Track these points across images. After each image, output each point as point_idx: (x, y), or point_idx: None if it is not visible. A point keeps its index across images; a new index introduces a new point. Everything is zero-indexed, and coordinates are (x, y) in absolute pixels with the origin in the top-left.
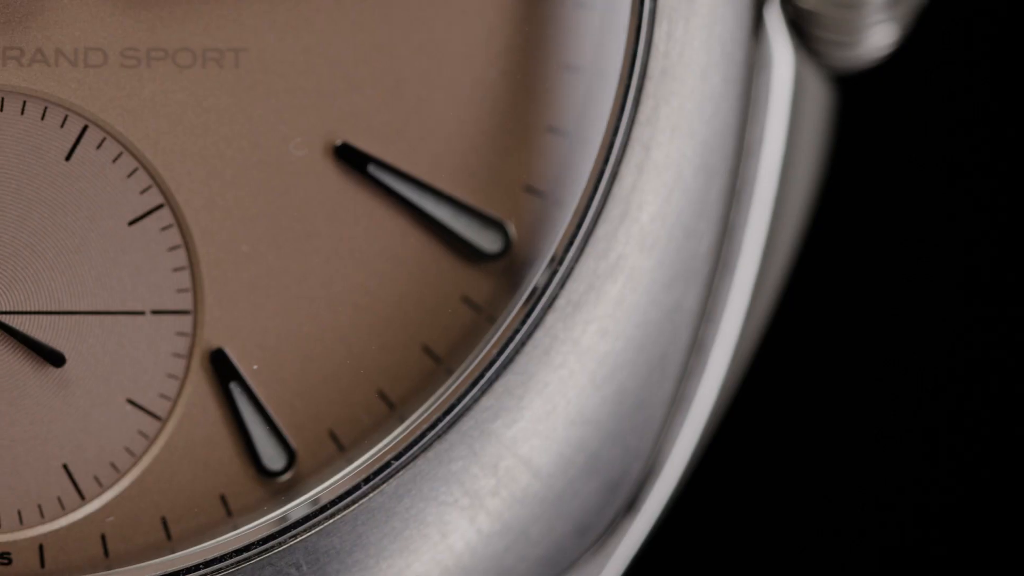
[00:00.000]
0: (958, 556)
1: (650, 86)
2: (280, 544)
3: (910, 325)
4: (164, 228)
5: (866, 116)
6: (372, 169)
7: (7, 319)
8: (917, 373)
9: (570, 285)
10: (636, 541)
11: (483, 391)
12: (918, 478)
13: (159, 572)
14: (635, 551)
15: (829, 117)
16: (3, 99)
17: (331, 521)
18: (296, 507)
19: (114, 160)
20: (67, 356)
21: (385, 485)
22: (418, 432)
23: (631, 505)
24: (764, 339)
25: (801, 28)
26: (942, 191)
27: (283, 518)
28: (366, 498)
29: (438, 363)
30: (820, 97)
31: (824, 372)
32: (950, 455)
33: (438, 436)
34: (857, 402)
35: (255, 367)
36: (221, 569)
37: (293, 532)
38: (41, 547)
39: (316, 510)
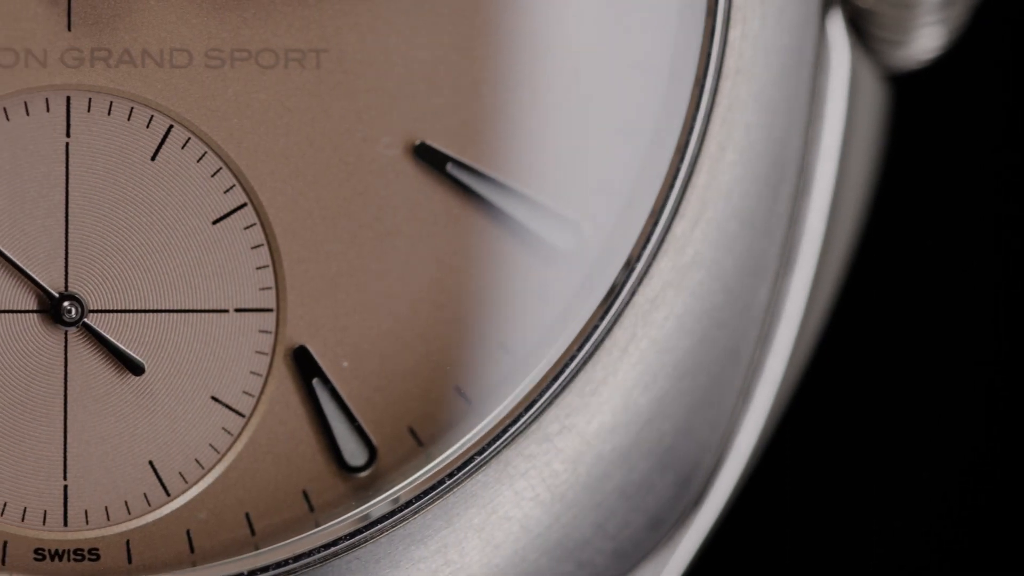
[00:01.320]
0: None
1: (725, 85)
2: (364, 540)
3: (964, 321)
4: (247, 227)
5: (920, 115)
6: (450, 168)
7: (95, 318)
8: (971, 368)
9: (647, 283)
10: (702, 534)
11: (563, 387)
12: (980, 469)
13: (245, 568)
14: (700, 544)
15: (884, 116)
16: (90, 99)
17: (413, 517)
18: (377, 503)
19: (198, 160)
20: (153, 354)
21: (467, 481)
22: (498, 428)
23: (699, 498)
24: (822, 335)
25: (859, 26)
26: (995, 189)
27: (365, 515)
28: (448, 494)
29: (516, 360)
30: (876, 96)
31: (880, 368)
32: (1012, 444)
33: (518, 432)
34: (913, 394)
35: (344, 364)
36: (307, 565)
37: (376, 528)
38: (128, 543)
39: (397, 507)
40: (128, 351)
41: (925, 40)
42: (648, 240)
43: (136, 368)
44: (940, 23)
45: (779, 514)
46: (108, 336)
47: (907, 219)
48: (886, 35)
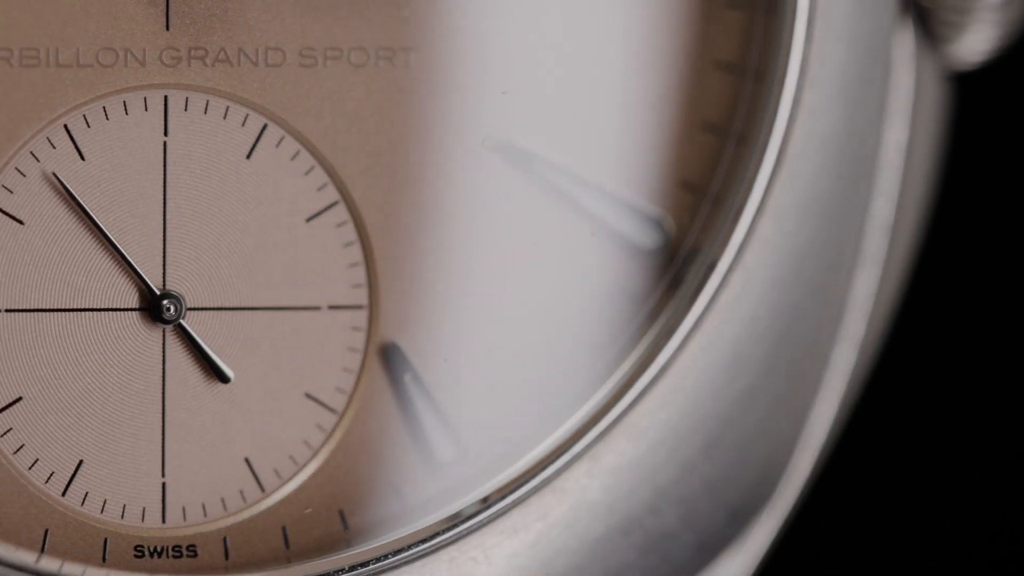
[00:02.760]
0: None
1: (806, 85)
2: (456, 536)
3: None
4: (340, 224)
5: (982, 113)
6: (537, 166)
7: (192, 316)
8: None
9: (731, 279)
10: (777, 526)
11: (650, 383)
12: None
13: (339, 565)
14: (773, 538)
15: (946, 114)
16: (187, 98)
17: (505, 514)
18: (469, 499)
19: (292, 158)
20: (247, 351)
21: (557, 479)
22: (589, 424)
23: (777, 491)
24: (888, 332)
25: (923, 26)
26: None
27: (457, 512)
28: (538, 489)
29: (603, 357)
30: (939, 94)
31: (945, 365)
32: None
33: (608, 427)
34: (974, 391)
35: (444, 360)
36: (402, 560)
37: (468, 524)
38: (225, 539)
39: (488, 502)
40: (217, 359)
41: (982, 38)
42: (732, 237)
43: (223, 377)
44: (997, 23)
45: (846, 508)
46: (201, 341)
47: (969, 215)
48: (947, 33)
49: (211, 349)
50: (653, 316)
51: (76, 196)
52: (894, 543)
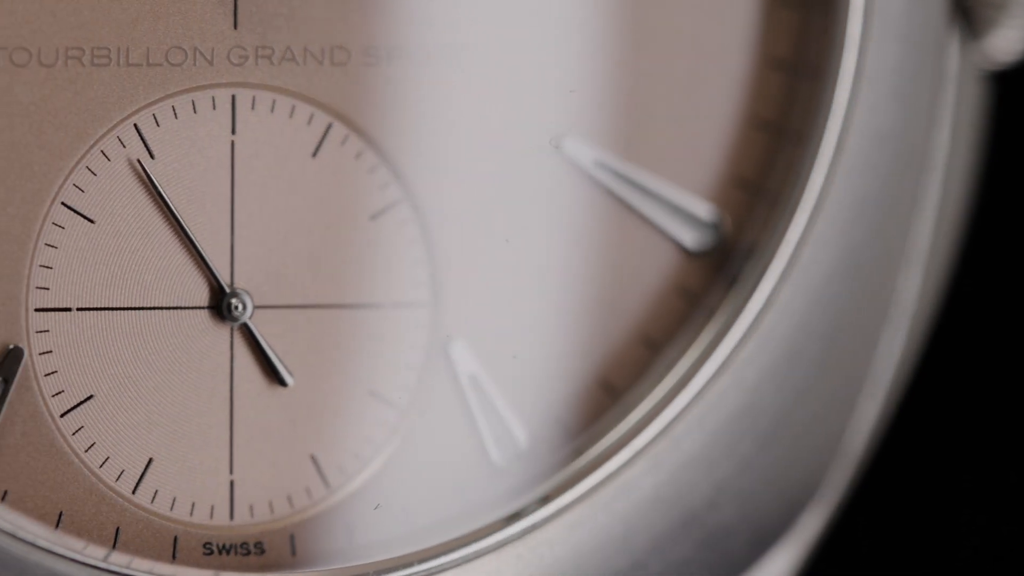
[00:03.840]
0: None
1: (862, 83)
2: (520, 533)
3: None
4: (403, 222)
5: (1014, 113)
6: (595, 163)
7: (259, 314)
8: None
9: (788, 276)
10: (824, 521)
11: (709, 380)
12: None
13: (407, 561)
14: (821, 533)
15: (986, 112)
16: (254, 97)
17: (568, 510)
18: (531, 496)
19: (356, 156)
20: (312, 349)
21: (617, 475)
22: (646, 420)
23: (825, 485)
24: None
25: (964, 21)
26: None
27: (519, 509)
28: (600, 487)
29: (658, 353)
30: (977, 93)
31: (984, 362)
32: None
33: (665, 423)
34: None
35: (515, 356)
36: (468, 557)
37: (531, 521)
38: (292, 537)
39: (550, 500)
40: (279, 363)
41: (1017, 36)
42: (788, 235)
43: (282, 381)
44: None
45: (885, 503)
46: (264, 342)
47: (1006, 213)
48: (983, 30)
49: (276, 348)
50: (710, 313)
51: (158, 186)
52: (929, 537)
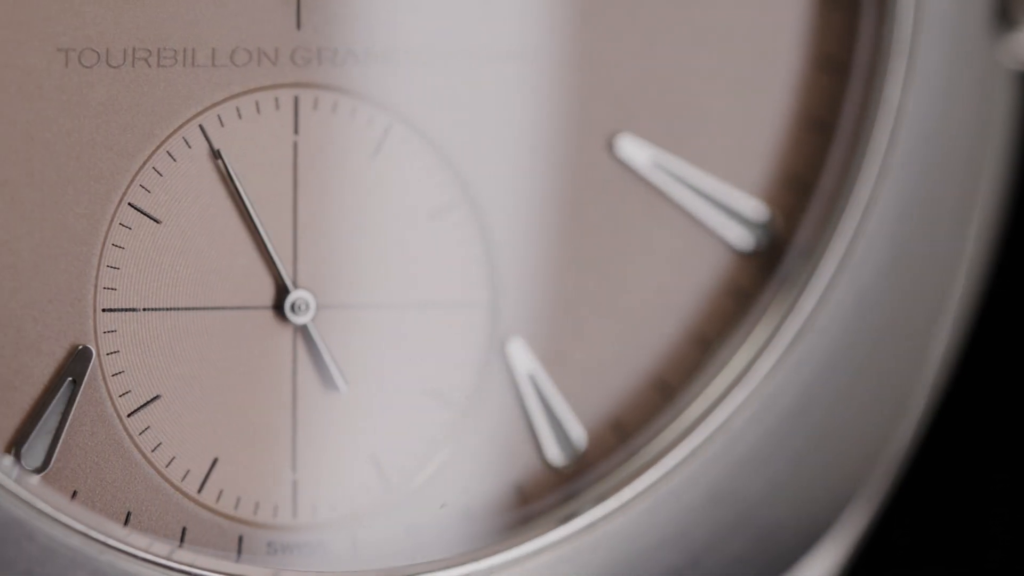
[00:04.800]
0: None
1: (912, 83)
2: (578, 532)
3: None
4: (461, 222)
5: None
6: (650, 162)
7: (321, 314)
8: None
9: (837, 277)
10: (870, 518)
11: (764, 377)
12: None
13: (466, 559)
14: (864, 531)
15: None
16: (317, 97)
17: (626, 507)
18: (588, 495)
19: (416, 156)
20: (373, 348)
21: (672, 474)
22: (700, 419)
23: (872, 481)
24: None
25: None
26: None
27: (575, 508)
28: (655, 487)
29: (712, 352)
30: (1012, 94)
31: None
32: None
33: (719, 422)
34: None
35: (565, 356)
36: (524, 557)
37: (588, 519)
38: (354, 535)
39: (607, 498)
40: (334, 366)
41: None
42: (839, 234)
43: (332, 385)
44: None
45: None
46: (322, 346)
47: None
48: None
49: (337, 348)
50: (762, 313)
51: (236, 183)
52: (969, 535)
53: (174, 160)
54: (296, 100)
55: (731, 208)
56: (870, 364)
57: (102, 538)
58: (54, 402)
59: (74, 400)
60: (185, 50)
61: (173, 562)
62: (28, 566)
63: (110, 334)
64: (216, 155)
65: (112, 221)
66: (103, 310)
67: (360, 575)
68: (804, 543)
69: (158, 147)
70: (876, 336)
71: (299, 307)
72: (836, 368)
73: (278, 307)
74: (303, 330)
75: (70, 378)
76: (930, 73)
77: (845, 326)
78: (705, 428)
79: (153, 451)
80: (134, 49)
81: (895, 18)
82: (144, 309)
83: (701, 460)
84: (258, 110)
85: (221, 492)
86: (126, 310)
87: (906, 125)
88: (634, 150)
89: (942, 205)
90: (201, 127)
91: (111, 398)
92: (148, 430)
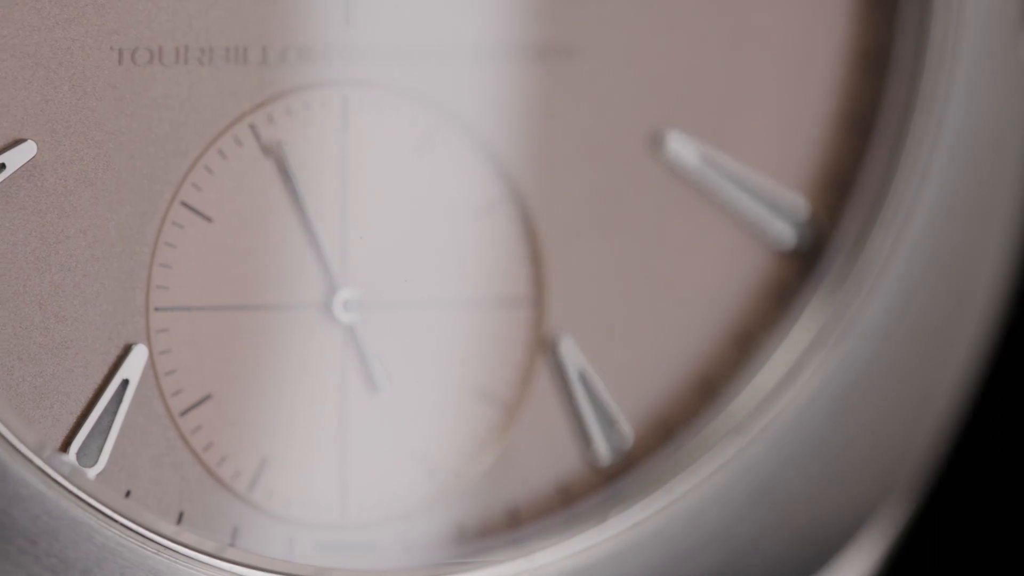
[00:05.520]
0: None
1: (953, 82)
2: (624, 531)
3: None
4: (508, 219)
5: None
6: (696, 160)
7: (369, 313)
8: None
9: (880, 276)
10: (902, 518)
11: (808, 377)
12: None
13: (512, 556)
14: (901, 529)
15: None
16: (365, 95)
17: (671, 506)
18: (633, 494)
19: (461, 154)
20: (420, 347)
21: (720, 472)
22: (742, 418)
23: (909, 477)
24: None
25: None
26: None
27: (622, 506)
28: (699, 487)
29: (755, 350)
30: None
31: None
32: None
33: (762, 423)
34: None
35: (623, 354)
36: (571, 555)
37: (635, 517)
38: (401, 535)
39: (653, 496)
40: (382, 365)
41: None
42: (880, 234)
43: (381, 383)
44: None
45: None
46: (365, 345)
47: None
48: None
49: (384, 347)
50: (803, 311)
51: (293, 179)
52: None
53: (225, 158)
54: (345, 98)
55: (774, 206)
56: (910, 362)
57: (158, 539)
58: (108, 401)
59: (128, 399)
60: (237, 48)
61: (225, 561)
62: (86, 566)
63: (163, 333)
64: (272, 152)
65: (165, 219)
66: (156, 309)
67: (409, 574)
68: (843, 540)
69: (210, 145)
70: (916, 334)
71: (348, 305)
72: (876, 366)
73: (327, 305)
74: (351, 328)
75: (124, 378)
76: (969, 71)
77: (886, 324)
78: (749, 427)
79: (205, 450)
80: (187, 48)
81: (935, 16)
82: (196, 308)
83: (745, 459)
84: (308, 108)
85: (272, 492)
86: (178, 309)
87: (946, 123)
88: (680, 147)
89: (981, 203)
90: (252, 125)
91: (164, 397)
92: (200, 429)
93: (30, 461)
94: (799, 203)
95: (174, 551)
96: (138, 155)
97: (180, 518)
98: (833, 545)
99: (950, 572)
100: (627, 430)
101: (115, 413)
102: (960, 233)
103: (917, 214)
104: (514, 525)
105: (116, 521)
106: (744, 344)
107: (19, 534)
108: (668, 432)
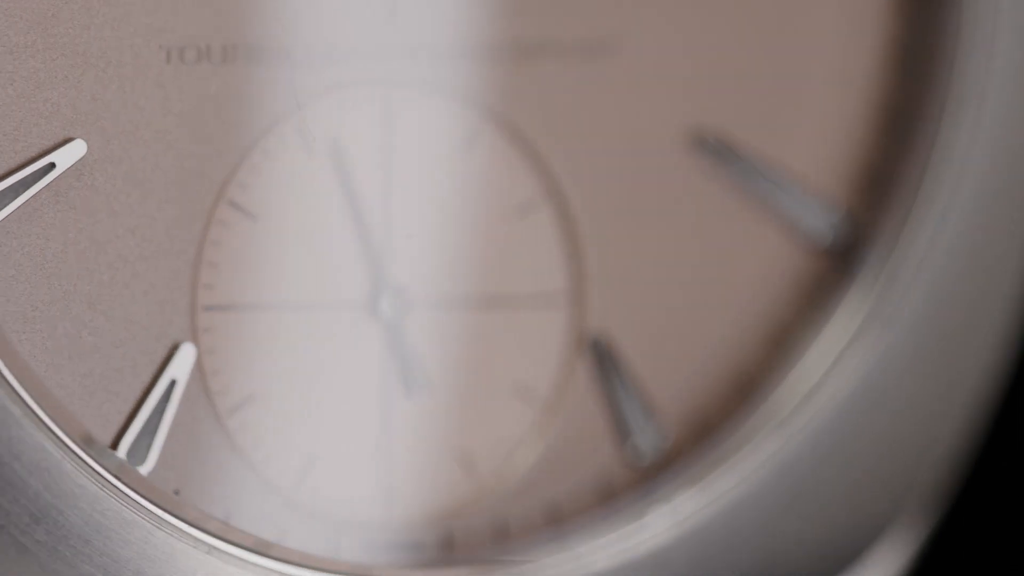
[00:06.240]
0: None
1: (990, 82)
2: (665, 530)
3: None
4: (549, 217)
5: None
6: (733, 158)
7: (412, 311)
8: None
9: (914, 274)
10: (937, 514)
11: (846, 376)
12: None
13: (557, 557)
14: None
15: None
16: (408, 93)
17: (708, 505)
18: (674, 492)
19: (504, 151)
20: (462, 346)
21: (759, 470)
22: (778, 415)
23: (933, 482)
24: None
25: None
26: None
27: (659, 504)
28: (740, 483)
29: (792, 349)
30: None
31: None
32: None
33: (800, 420)
34: None
35: (662, 351)
36: (612, 553)
37: (675, 517)
38: (447, 535)
39: (690, 493)
40: (424, 364)
41: None
42: (915, 231)
43: (424, 381)
44: None
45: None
46: (406, 345)
47: None
48: None
49: (427, 345)
50: (837, 309)
51: (343, 173)
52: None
53: (270, 157)
54: (389, 96)
55: (810, 203)
56: (945, 357)
57: (209, 539)
58: (157, 400)
59: (176, 398)
60: (283, 47)
61: (273, 560)
62: (139, 566)
63: (209, 332)
64: (318, 150)
65: (212, 218)
66: (203, 308)
67: (452, 572)
68: (875, 536)
69: (255, 144)
70: (952, 329)
71: (392, 304)
72: (912, 362)
73: (372, 304)
74: (394, 327)
75: (172, 377)
76: (1006, 68)
77: (922, 320)
78: (788, 424)
79: (251, 449)
80: (234, 46)
81: (971, 12)
82: (241, 306)
83: (783, 456)
84: (351, 106)
85: (317, 490)
86: (224, 307)
87: (982, 120)
88: (716, 145)
89: (1017, 199)
90: (297, 124)
91: (211, 396)
92: (246, 428)
93: (83, 460)
94: (836, 200)
95: (224, 551)
96: (185, 154)
97: (228, 517)
98: (866, 541)
99: (982, 566)
100: (666, 427)
101: (163, 412)
102: (996, 229)
103: (953, 211)
104: (555, 523)
105: (167, 521)
106: (781, 341)
107: (73, 534)
108: (706, 429)
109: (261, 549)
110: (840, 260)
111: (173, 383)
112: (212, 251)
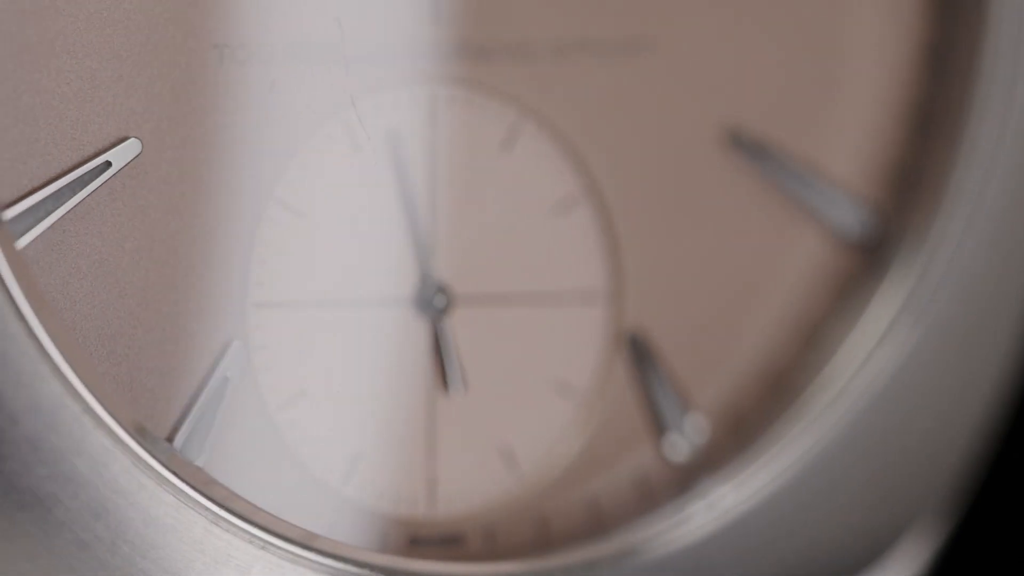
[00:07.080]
0: None
1: (1008, 67)
2: (701, 526)
3: None
4: (588, 215)
5: None
6: (765, 155)
7: (456, 307)
8: None
9: (943, 270)
10: (960, 514)
11: (876, 373)
12: None
13: (597, 553)
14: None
15: None
16: (451, 92)
17: (744, 502)
18: (716, 487)
19: (543, 149)
20: (503, 341)
21: (792, 467)
22: (813, 415)
23: (947, 490)
24: None
25: None
26: None
27: (704, 501)
28: (773, 481)
29: (822, 345)
30: None
31: None
32: None
33: (835, 418)
34: None
35: (698, 348)
36: (653, 551)
37: (714, 512)
38: (489, 529)
39: (725, 492)
40: (456, 367)
41: None
42: (943, 227)
43: (468, 378)
44: None
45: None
46: (445, 343)
47: None
48: None
49: (470, 341)
50: (867, 304)
51: (401, 170)
52: None
53: (320, 155)
54: (433, 94)
55: (841, 199)
56: (976, 354)
57: (262, 535)
58: (210, 397)
59: (228, 395)
60: (331, 45)
61: (322, 556)
62: (194, 561)
63: (261, 329)
64: (365, 148)
65: (263, 216)
66: (254, 305)
67: (494, 566)
68: (902, 532)
69: (304, 143)
70: (982, 326)
71: (437, 300)
72: (943, 358)
73: (418, 301)
74: (440, 324)
75: (224, 373)
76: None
77: (953, 316)
78: (821, 420)
79: (300, 446)
80: (284, 45)
81: (997, 9)
82: (291, 304)
83: (817, 452)
84: (397, 105)
85: (364, 487)
86: (275, 305)
87: (1010, 116)
88: (748, 142)
89: None
90: (345, 122)
91: (262, 393)
92: (295, 424)
93: (139, 456)
94: (867, 198)
95: (277, 546)
96: (237, 152)
97: (279, 512)
98: (888, 539)
99: (1003, 565)
100: (702, 423)
101: (216, 409)
102: (1017, 228)
103: (982, 206)
104: (594, 517)
105: (223, 517)
106: (814, 338)
107: (131, 529)
108: (742, 425)
109: (312, 544)
110: (872, 257)
111: (225, 380)
112: (264, 249)
